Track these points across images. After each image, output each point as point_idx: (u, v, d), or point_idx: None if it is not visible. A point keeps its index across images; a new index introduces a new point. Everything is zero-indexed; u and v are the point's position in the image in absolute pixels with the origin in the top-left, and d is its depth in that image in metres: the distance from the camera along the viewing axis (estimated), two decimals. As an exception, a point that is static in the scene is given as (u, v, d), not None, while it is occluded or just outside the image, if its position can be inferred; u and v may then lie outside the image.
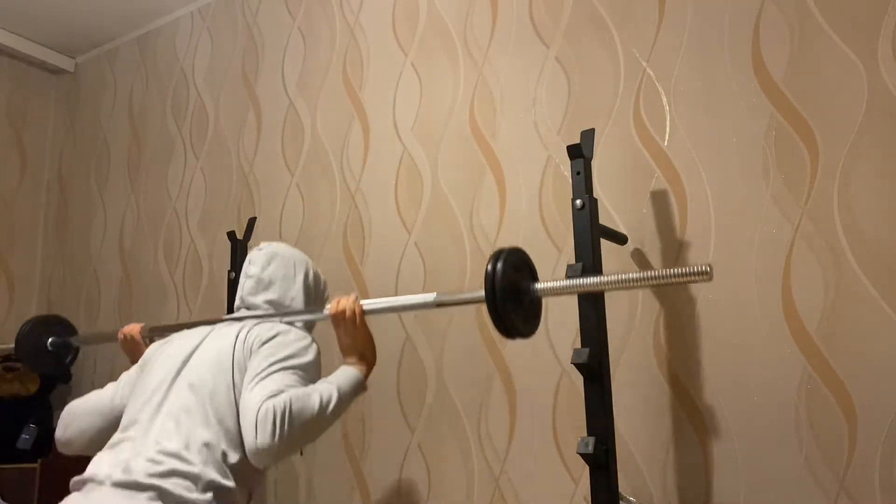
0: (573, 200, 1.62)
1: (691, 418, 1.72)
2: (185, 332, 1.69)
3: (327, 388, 1.45)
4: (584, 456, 1.47)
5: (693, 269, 1.14)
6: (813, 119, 1.68)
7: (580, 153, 1.63)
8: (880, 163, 1.59)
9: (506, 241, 2.09)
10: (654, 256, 1.84)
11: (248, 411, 1.38)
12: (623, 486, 1.69)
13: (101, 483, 1.38)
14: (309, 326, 1.68)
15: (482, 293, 1.30)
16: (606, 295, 1.63)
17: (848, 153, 1.63)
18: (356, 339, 1.59)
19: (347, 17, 2.65)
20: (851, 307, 1.57)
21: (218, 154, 2.96)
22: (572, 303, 1.64)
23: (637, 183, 1.90)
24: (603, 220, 1.74)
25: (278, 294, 1.71)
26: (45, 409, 3.01)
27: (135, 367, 1.71)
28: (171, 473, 1.35)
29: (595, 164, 1.77)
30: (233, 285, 2.37)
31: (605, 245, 1.76)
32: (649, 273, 1.19)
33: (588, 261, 1.56)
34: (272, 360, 1.46)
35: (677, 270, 1.16)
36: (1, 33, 3.44)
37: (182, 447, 1.38)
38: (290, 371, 1.46)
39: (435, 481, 2.10)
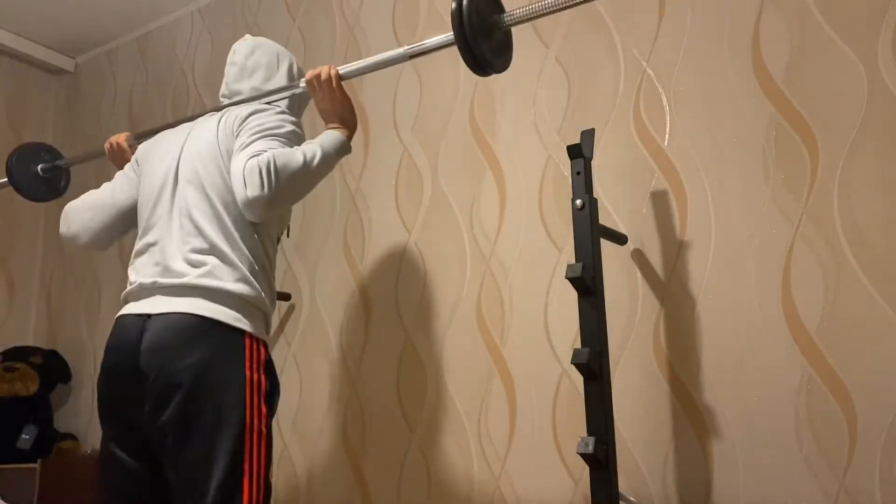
0: (573, 200, 1.62)
1: (691, 418, 1.72)
2: (171, 131, 1.71)
3: (310, 147, 1.50)
4: (584, 456, 1.47)
5: None
6: (813, 119, 1.68)
7: (580, 153, 1.64)
8: (880, 163, 1.59)
9: (506, 241, 2.09)
10: (654, 256, 1.84)
11: (235, 172, 1.42)
12: (623, 486, 1.68)
13: (148, 288, 1.47)
14: (292, 112, 1.69)
15: (451, 35, 1.26)
16: (606, 295, 1.63)
17: (848, 153, 1.63)
18: (334, 102, 1.61)
19: (347, 17, 2.65)
20: (851, 307, 1.57)
21: (218, 154, 2.96)
22: (572, 303, 1.64)
23: (637, 183, 1.90)
24: (603, 220, 1.74)
25: (261, 81, 1.71)
26: (45, 409, 3.01)
27: (128, 166, 1.74)
28: (212, 271, 1.43)
29: (595, 164, 1.77)
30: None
31: (605, 245, 1.76)
32: None
33: (588, 261, 1.56)
34: (252, 131, 1.50)
35: None
36: (1, 33, 3.44)
37: (206, 242, 1.46)
38: (271, 137, 1.49)
39: (435, 481, 2.10)
